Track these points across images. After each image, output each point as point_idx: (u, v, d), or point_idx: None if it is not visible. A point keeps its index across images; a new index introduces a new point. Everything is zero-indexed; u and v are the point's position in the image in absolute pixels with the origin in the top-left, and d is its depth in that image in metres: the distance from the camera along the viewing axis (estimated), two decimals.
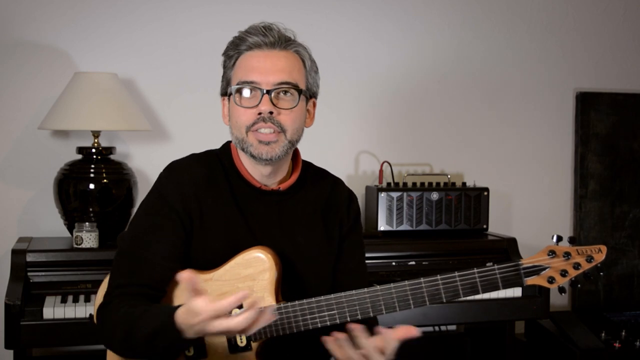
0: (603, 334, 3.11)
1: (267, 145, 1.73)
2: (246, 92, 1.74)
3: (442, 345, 3.21)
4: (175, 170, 1.80)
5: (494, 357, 3.06)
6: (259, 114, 1.72)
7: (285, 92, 1.74)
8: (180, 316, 1.57)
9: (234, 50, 1.77)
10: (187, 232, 1.76)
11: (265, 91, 1.72)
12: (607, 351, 3.02)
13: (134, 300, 1.68)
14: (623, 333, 3.13)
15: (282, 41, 1.75)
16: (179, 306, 1.60)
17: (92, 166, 2.78)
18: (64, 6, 2.97)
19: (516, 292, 2.85)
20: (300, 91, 1.76)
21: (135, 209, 2.32)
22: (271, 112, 1.72)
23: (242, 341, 1.71)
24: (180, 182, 1.77)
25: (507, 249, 2.97)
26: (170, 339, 1.60)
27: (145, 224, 1.76)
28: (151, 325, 1.60)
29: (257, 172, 1.80)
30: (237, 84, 1.75)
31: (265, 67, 1.73)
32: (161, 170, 1.81)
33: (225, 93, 1.82)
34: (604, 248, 1.62)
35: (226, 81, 1.80)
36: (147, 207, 1.79)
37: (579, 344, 3.01)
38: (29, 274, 2.50)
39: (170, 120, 3.11)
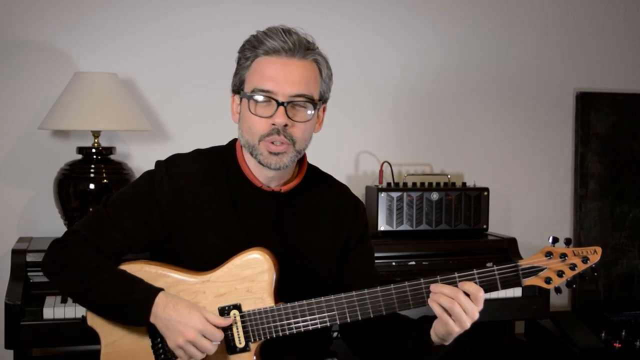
0: (603, 334, 3.11)
1: (277, 156, 1.73)
2: (261, 100, 1.72)
3: None
4: (174, 163, 1.83)
5: (494, 357, 3.06)
6: (273, 124, 1.71)
7: (300, 104, 1.73)
8: (162, 303, 1.65)
9: (251, 51, 1.75)
10: (166, 225, 1.78)
11: (280, 102, 1.70)
12: (607, 351, 3.02)
13: (94, 253, 1.74)
14: (623, 333, 3.12)
15: (302, 49, 1.73)
16: (157, 288, 1.68)
17: (92, 166, 2.78)
18: (64, 6, 2.97)
19: (516, 292, 2.84)
20: (315, 104, 1.75)
21: None
22: (285, 125, 1.71)
23: (240, 342, 1.71)
24: (176, 176, 1.79)
25: (507, 249, 2.97)
26: (136, 317, 1.68)
27: (127, 197, 1.81)
28: (123, 297, 1.67)
29: (261, 174, 1.80)
30: (252, 91, 1.73)
31: (282, 77, 1.70)
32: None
33: (237, 91, 1.80)
34: (599, 249, 1.65)
35: (240, 80, 1.78)
36: (136, 185, 1.83)
37: (579, 344, 3.01)
38: (29, 274, 2.50)
39: (170, 120, 3.11)
